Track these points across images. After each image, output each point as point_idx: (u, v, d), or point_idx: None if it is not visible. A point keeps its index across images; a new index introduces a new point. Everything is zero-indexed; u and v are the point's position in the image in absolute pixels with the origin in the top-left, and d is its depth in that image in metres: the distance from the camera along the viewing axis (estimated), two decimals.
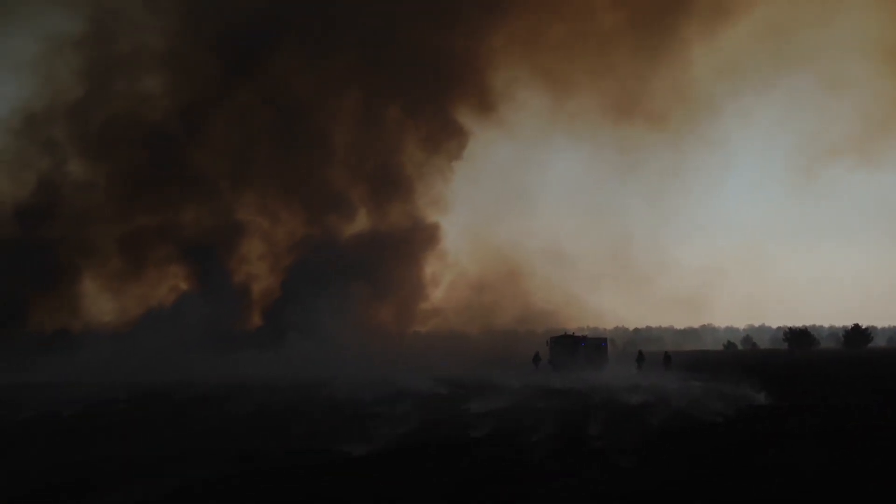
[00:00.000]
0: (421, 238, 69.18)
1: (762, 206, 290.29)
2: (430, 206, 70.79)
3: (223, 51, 63.22)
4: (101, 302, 65.84)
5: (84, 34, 64.50)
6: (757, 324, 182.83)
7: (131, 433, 18.47)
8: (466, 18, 68.79)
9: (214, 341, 52.50)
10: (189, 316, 54.92)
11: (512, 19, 71.68)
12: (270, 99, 66.48)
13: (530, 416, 20.08)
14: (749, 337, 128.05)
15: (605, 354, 47.86)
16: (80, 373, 43.72)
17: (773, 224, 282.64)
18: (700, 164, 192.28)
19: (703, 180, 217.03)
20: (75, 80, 64.06)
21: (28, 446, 16.76)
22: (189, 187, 65.56)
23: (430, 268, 71.04)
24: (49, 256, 58.86)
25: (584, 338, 50.04)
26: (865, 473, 11.91)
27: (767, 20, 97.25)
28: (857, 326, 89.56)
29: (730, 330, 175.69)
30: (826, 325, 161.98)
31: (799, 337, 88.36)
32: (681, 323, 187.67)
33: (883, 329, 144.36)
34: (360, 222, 69.48)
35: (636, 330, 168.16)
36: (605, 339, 51.65)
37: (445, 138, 69.22)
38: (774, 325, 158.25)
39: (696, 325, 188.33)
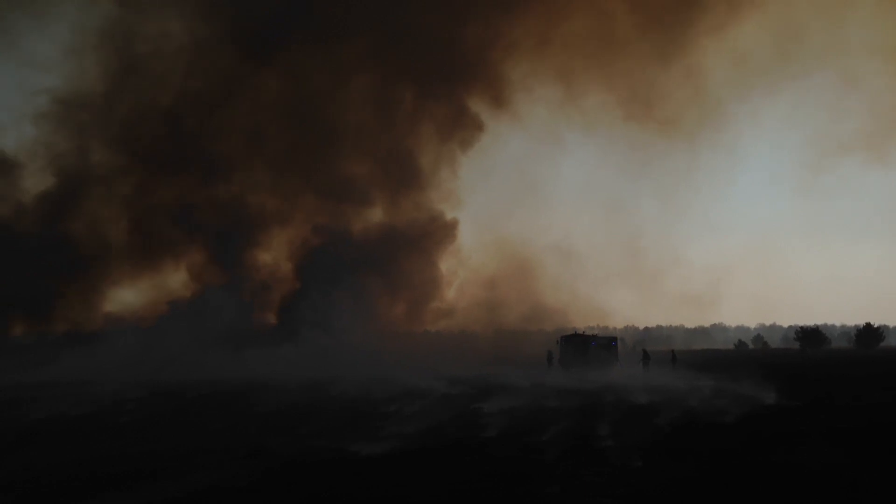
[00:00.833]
0: (437, 235, 68.75)
1: (773, 204, 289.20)
2: (443, 202, 70.43)
3: (241, 42, 63.00)
4: (123, 295, 66.36)
5: (102, 24, 64.52)
6: (768, 323, 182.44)
7: (140, 432, 18.71)
8: (482, 11, 68.84)
9: (232, 337, 52.82)
10: (209, 311, 55.16)
11: (527, 14, 71.62)
12: (286, 88, 66.42)
13: (541, 416, 20.27)
14: (760, 336, 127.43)
15: (616, 354, 47.89)
16: (103, 369, 44.27)
17: (784, 222, 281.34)
18: (710, 162, 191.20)
19: (713, 178, 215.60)
20: (97, 72, 63.83)
21: (53, 443, 17.07)
22: (208, 176, 64.77)
23: (445, 264, 70.73)
24: (70, 251, 58.88)
25: (594, 337, 49.99)
26: (875, 473, 12.00)
27: (779, 18, 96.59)
28: (868, 325, 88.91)
29: (741, 329, 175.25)
30: (838, 323, 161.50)
31: (810, 336, 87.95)
32: (691, 322, 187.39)
33: (895, 328, 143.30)
34: (376, 214, 69.09)
35: (646, 329, 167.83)
36: (615, 339, 51.71)
37: (459, 128, 69.01)
38: (786, 324, 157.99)
39: (706, 324, 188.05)
